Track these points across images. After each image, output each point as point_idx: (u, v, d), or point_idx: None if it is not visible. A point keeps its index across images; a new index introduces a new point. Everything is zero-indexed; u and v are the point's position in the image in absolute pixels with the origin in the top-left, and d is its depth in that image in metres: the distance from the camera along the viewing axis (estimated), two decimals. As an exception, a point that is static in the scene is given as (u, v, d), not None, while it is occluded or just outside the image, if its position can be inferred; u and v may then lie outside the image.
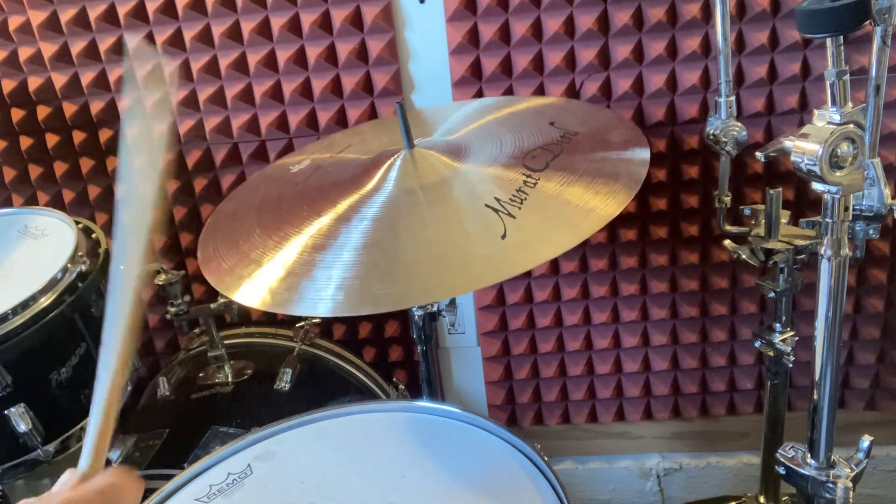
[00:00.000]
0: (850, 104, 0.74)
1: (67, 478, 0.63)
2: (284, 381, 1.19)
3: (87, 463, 0.65)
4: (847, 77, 0.72)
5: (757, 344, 1.14)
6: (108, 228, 1.43)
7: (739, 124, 1.05)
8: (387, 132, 1.09)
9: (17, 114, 1.36)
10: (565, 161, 0.89)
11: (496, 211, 0.80)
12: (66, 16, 1.27)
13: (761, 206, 1.07)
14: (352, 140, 1.12)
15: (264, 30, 1.26)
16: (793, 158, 0.76)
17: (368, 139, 1.11)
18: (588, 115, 1.07)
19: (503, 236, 0.77)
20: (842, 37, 0.71)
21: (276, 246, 0.85)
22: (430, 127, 1.08)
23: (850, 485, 0.89)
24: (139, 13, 1.26)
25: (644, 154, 0.90)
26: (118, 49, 1.29)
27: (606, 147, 0.94)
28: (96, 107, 1.34)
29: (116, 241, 0.67)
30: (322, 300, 0.75)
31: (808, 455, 0.92)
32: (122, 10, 1.26)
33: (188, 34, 1.27)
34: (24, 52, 1.31)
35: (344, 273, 0.77)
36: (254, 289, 0.80)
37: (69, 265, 0.99)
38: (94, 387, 0.66)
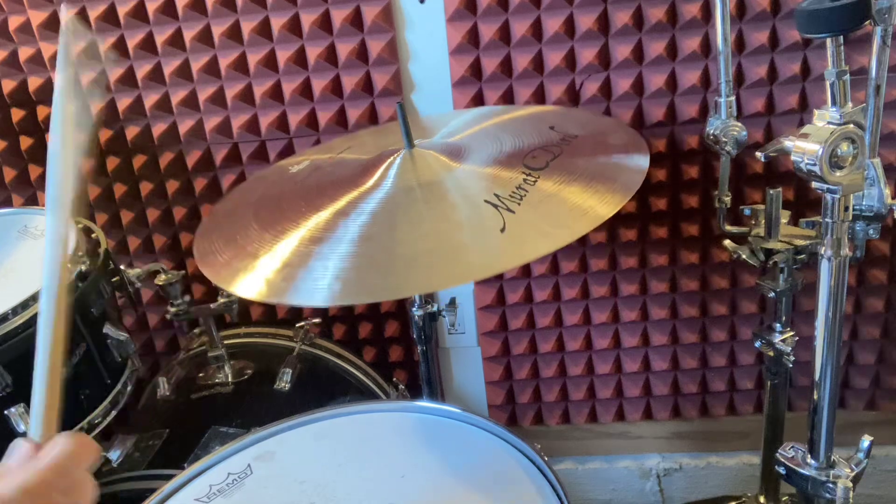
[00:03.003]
0: (850, 104, 0.74)
1: (22, 449, 0.61)
2: (284, 381, 1.19)
3: (38, 431, 0.63)
4: (847, 77, 0.73)
5: (757, 344, 1.14)
6: (108, 228, 1.44)
7: (739, 124, 1.05)
8: (386, 138, 1.09)
9: (17, 114, 1.36)
10: (565, 162, 0.89)
11: (496, 206, 0.80)
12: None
13: (761, 206, 1.07)
14: (351, 143, 1.13)
15: (264, 30, 1.26)
16: (793, 158, 0.76)
17: (368, 143, 1.11)
18: (588, 121, 1.07)
19: (502, 230, 0.77)
20: (842, 37, 0.71)
21: (274, 240, 0.85)
22: (430, 132, 1.08)
23: (850, 485, 0.89)
24: (139, 13, 1.26)
25: (643, 159, 0.90)
26: (118, 49, 1.29)
27: (606, 150, 0.94)
28: (96, 107, 1.34)
29: (47, 214, 0.68)
30: (318, 290, 0.75)
31: (808, 455, 0.92)
32: (121, 11, 1.26)
33: (188, 34, 1.27)
34: (24, 52, 1.31)
35: (341, 264, 0.77)
36: (250, 280, 0.80)
37: (69, 265, 0.99)
38: (36, 354, 0.66)
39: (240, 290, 0.79)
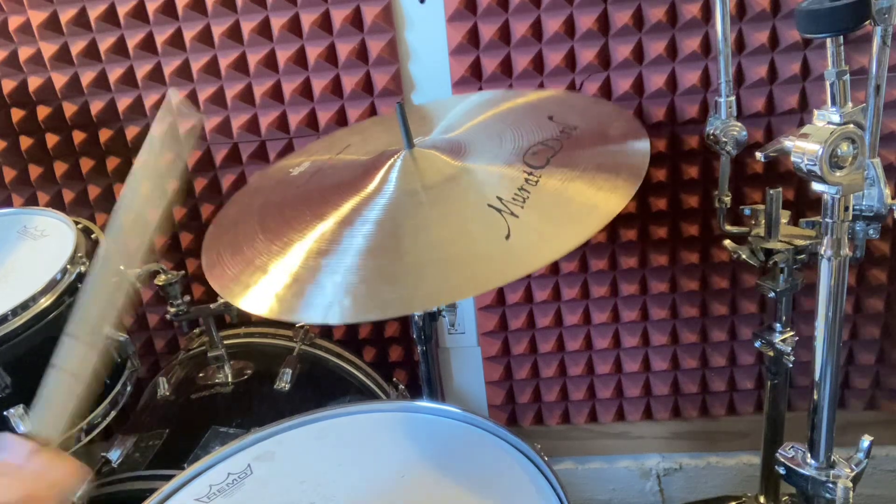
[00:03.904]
0: (850, 104, 0.74)
1: (21, 447, 0.61)
2: (284, 381, 1.19)
3: (43, 431, 0.63)
4: (847, 77, 0.72)
5: (757, 344, 1.14)
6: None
7: (739, 124, 1.05)
8: (387, 129, 1.08)
9: (17, 114, 1.36)
10: (566, 157, 0.88)
11: (499, 211, 0.79)
12: (66, 16, 1.27)
13: (761, 206, 1.07)
14: (352, 139, 1.12)
15: (264, 30, 1.26)
16: (793, 158, 0.76)
17: (368, 138, 1.10)
18: (586, 108, 1.06)
19: (507, 237, 0.76)
20: (842, 37, 0.71)
21: (280, 252, 0.84)
22: (429, 123, 1.07)
23: (850, 485, 0.89)
24: (139, 13, 1.26)
25: (644, 145, 0.88)
26: (118, 49, 1.29)
27: (606, 141, 0.93)
28: (96, 107, 1.34)
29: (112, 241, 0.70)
30: (330, 306, 0.74)
31: (808, 455, 0.92)
32: (121, 10, 1.26)
33: (188, 34, 1.27)
34: (24, 52, 1.31)
35: (349, 278, 0.77)
36: (260, 296, 0.79)
37: (69, 266, 0.99)
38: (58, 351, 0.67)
39: (250, 306, 0.79)
